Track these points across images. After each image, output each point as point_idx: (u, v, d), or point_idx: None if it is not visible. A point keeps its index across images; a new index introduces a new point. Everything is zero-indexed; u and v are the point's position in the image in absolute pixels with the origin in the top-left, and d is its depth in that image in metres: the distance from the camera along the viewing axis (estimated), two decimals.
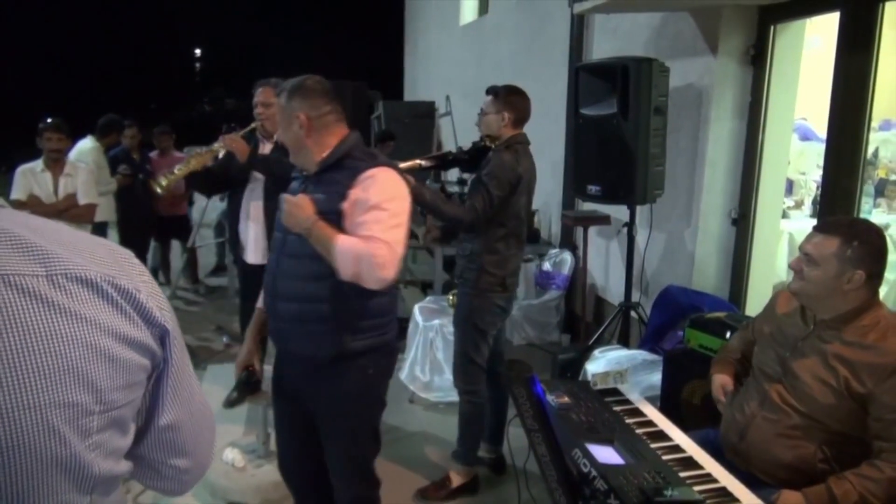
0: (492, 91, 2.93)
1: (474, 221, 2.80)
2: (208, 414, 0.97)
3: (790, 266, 1.96)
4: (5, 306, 0.67)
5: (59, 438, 0.70)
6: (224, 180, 3.61)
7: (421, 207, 2.86)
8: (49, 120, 4.31)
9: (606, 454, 1.77)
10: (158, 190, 3.44)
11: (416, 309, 4.08)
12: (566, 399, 2.09)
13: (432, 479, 3.10)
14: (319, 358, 2.08)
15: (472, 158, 3.06)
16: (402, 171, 2.14)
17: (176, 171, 3.36)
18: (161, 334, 0.81)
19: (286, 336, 2.15)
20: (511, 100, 2.89)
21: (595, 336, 3.95)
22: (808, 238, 1.92)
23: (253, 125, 3.49)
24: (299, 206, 1.97)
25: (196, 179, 3.58)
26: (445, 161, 3.26)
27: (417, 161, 2.96)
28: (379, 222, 1.90)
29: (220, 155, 3.44)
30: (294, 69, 2.08)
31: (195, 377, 0.92)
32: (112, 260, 0.78)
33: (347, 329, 2.03)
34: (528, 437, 1.82)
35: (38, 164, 4.28)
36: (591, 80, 3.56)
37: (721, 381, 2.22)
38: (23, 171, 4.26)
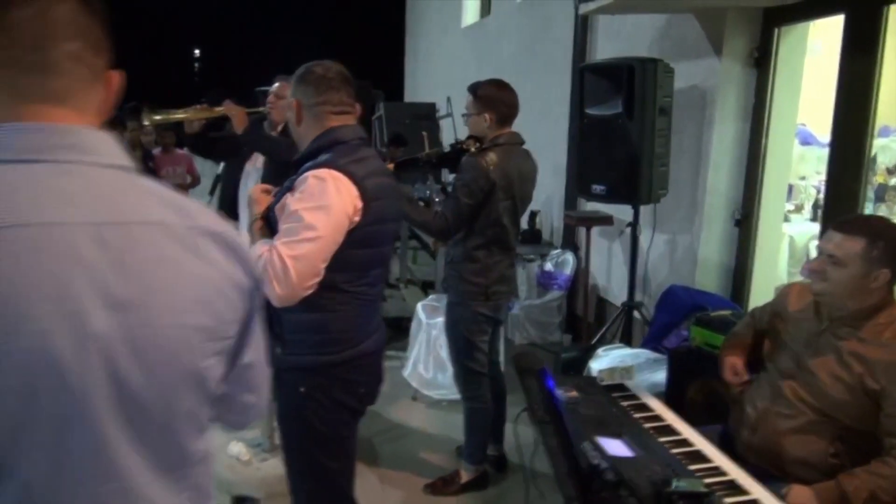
0: (471, 90, 2.74)
1: (444, 230, 2.69)
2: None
3: (811, 268, 1.95)
4: (165, 248, 0.83)
5: (193, 354, 0.86)
6: (224, 147, 3.62)
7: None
8: None
9: (616, 447, 1.78)
10: (146, 122, 3.43)
11: (419, 307, 4.09)
12: (574, 393, 2.11)
13: (435, 477, 3.10)
14: None
15: (441, 162, 2.97)
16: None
17: (171, 114, 3.34)
18: (256, 286, 0.95)
19: None
20: (491, 98, 2.70)
21: (598, 336, 3.96)
22: (829, 238, 1.91)
23: (260, 108, 3.50)
24: (252, 200, 1.94)
25: (193, 141, 3.59)
26: (415, 165, 3.13)
27: (388, 165, 2.85)
28: (289, 233, 1.71)
29: (217, 113, 3.42)
30: (293, 70, 2.01)
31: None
32: (221, 221, 0.93)
33: (278, 339, 1.86)
34: (538, 429, 1.84)
35: None
36: (597, 80, 3.59)
37: (731, 362, 2.22)
38: None
